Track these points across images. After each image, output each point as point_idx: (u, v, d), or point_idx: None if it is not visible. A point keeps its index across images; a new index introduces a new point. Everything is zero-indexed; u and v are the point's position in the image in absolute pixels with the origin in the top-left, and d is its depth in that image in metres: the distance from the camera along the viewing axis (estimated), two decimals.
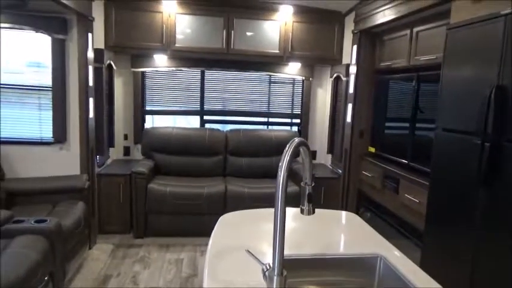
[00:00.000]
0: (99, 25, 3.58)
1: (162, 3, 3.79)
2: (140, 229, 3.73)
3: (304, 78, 4.48)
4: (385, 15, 3.10)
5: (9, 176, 3.23)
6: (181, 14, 3.87)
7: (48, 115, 3.32)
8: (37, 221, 2.48)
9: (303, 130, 4.61)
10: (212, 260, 1.25)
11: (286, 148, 0.97)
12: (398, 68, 3.21)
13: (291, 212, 1.68)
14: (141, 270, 3.14)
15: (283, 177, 0.93)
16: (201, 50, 3.97)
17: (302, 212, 1.11)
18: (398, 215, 3.02)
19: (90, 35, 3.27)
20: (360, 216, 1.93)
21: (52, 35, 3.17)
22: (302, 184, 1.11)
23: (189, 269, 3.18)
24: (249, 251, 1.08)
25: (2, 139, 3.26)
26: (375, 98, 3.65)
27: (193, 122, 4.57)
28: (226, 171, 4.29)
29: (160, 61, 4.16)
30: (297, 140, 1.00)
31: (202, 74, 4.45)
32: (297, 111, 4.66)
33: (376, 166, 3.40)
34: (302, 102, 4.61)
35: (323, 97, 4.59)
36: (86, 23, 3.23)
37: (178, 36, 3.91)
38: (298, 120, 4.68)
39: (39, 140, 3.36)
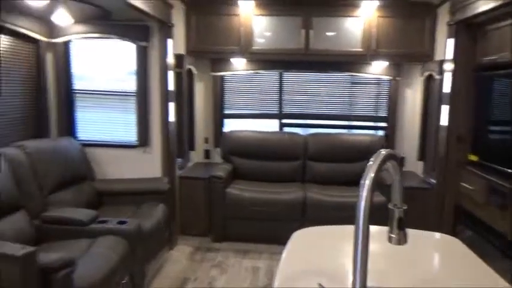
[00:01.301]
0: (180, 31, 3.65)
1: (238, 5, 3.76)
2: (218, 233, 3.72)
3: (390, 77, 4.12)
4: (488, 2, 2.66)
5: (99, 177, 3.43)
6: (258, 15, 3.79)
7: (133, 119, 3.47)
8: (119, 222, 2.57)
9: (390, 134, 4.23)
10: (280, 285, 1.09)
11: (371, 162, 0.78)
12: (506, 63, 2.74)
13: (375, 230, 1.45)
14: (218, 276, 3.11)
15: (365, 202, 0.74)
16: (279, 52, 3.85)
17: (390, 240, 0.91)
18: (506, 235, 2.56)
19: (169, 40, 3.34)
20: (458, 234, 1.63)
21: (136, 42, 3.31)
22: (390, 206, 0.90)
23: (266, 279, 3.07)
24: (321, 285, 0.91)
25: (95, 142, 3.49)
26: (476, 98, 3.18)
27: (272, 125, 4.46)
28: (306, 177, 4.10)
29: (239, 64, 4.14)
30: (384, 152, 0.81)
31: (281, 76, 4.33)
32: (383, 113, 4.30)
33: (478, 177, 2.94)
34: (388, 104, 4.24)
35: (412, 98, 4.17)
36: (166, 30, 3.31)
37: (256, 39, 3.84)
38: (383, 124, 4.31)
39: (126, 143, 3.52)
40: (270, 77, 4.36)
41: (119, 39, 3.31)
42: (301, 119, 4.45)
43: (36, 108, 3.21)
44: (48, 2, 2.51)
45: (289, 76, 4.35)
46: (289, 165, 4.09)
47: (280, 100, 4.37)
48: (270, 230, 3.63)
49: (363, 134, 4.33)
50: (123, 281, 2.38)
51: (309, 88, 4.36)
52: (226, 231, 3.72)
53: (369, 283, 0.83)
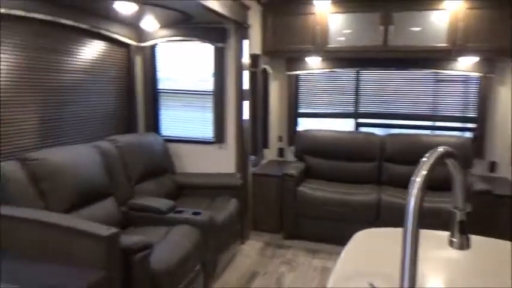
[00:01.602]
0: (256, 32, 3.75)
1: (314, 5, 3.74)
2: (289, 231, 3.75)
3: (480, 74, 3.76)
4: None
5: (179, 170, 3.68)
6: (334, 13, 3.73)
7: (210, 117, 3.66)
8: (194, 213, 2.74)
9: (479, 136, 3.88)
10: (335, 284, 1.09)
11: (425, 159, 0.75)
12: None
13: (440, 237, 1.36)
14: (287, 273, 3.14)
15: (415, 201, 0.72)
16: (356, 49, 3.75)
17: (451, 244, 0.86)
18: None
19: (245, 41, 3.46)
20: None
21: (214, 43, 3.48)
22: (451, 208, 0.85)
23: None
24: (372, 285, 0.89)
25: (176, 138, 3.75)
26: None
27: (347, 125, 4.36)
28: (381, 178, 3.94)
29: (314, 63, 4.12)
30: (441, 149, 0.77)
31: (357, 74, 4.22)
32: (471, 114, 3.95)
33: None
34: (478, 104, 3.88)
35: (507, 97, 3.76)
36: (242, 31, 3.42)
37: (331, 37, 3.79)
38: (472, 125, 3.96)
39: (202, 139, 3.72)
40: (345, 75, 4.27)
41: (199, 41, 3.52)
42: (379, 118, 4.28)
43: (126, 107, 3.55)
44: (137, 9, 2.75)
45: (367, 74, 4.21)
46: (363, 166, 3.97)
47: (357, 99, 4.25)
48: (342, 231, 3.50)
49: (448, 135, 4.02)
50: (195, 268, 2.53)
51: (388, 86, 4.17)
52: (298, 229, 3.74)
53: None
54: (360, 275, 1.12)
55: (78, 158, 2.54)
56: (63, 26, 2.72)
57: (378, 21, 3.64)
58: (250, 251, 3.52)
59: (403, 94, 4.13)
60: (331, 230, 3.59)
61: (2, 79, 2.38)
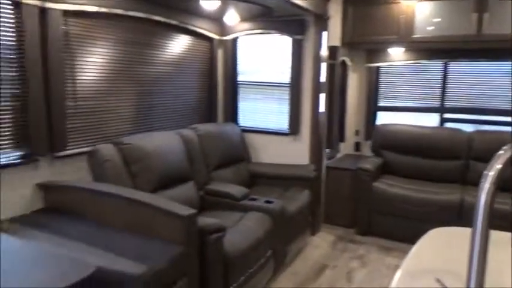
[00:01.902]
0: (335, 23, 3.69)
1: None
2: (363, 226, 3.68)
3: None
4: None
5: (254, 160, 3.80)
6: (422, 1, 3.52)
7: (286, 109, 3.71)
8: (266, 201, 2.83)
9: None
10: (401, 280, 1.08)
11: (501, 152, 0.72)
12: None
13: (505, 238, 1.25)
14: (358, 268, 3.10)
15: (486, 195, 0.69)
16: (445, 39, 3.50)
17: None
18: None
19: (324, 33, 3.43)
20: None
21: (292, 36, 3.50)
22: None
23: None
24: (439, 281, 0.87)
25: (252, 128, 3.87)
26: None
27: (431, 120, 4.11)
28: (467, 178, 3.66)
29: (396, 55, 3.94)
30: None
31: (445, 66, 3.94)
32: None
33: None
34: None
35: None
36: (321, 22, 3.40)
37: (418, 26, 3.58)
38: None
39: (278, 131, 3.79)
40: (431, 67, 4.01)
41: (277, 34, 3.58)
42: (467, 113, 3.96)
43: (208, 97, 3.76)
44: (220, 4, 2.89)
45: (456, 66, 3.91)
46: (447, 164, 3.72)
47: (443, 93, 3.98)
48: (419, 230, 3.34)
49: None
50: (266, 255, 2.63)
51: (479, 79, 3.84)
52: (371, 225, 3.65)
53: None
54: (428, 272, 1.09)
55: (164, 144, 2.77)
56: (155, 22, 2.98)
57: (471, 8, 3.35)
58: (321, 243, 3.53)
59: (496, 88, 3.77)
60: (407, 229, 3.43)
61: (103, 71, 2.68)
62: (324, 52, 3.50)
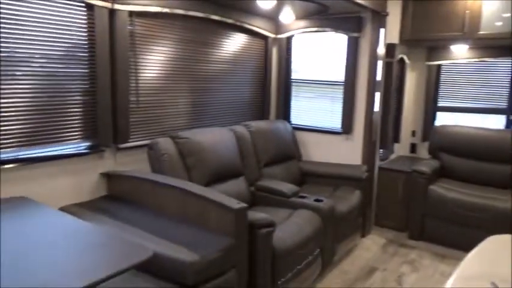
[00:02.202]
0: (394, 20, 3.58)
1: None
2: (415, 231, 3.56)
3: None
4: None
5: (304, 158, 3.81)
6: None
7: (339, 107, 3.67)
8: (316, 200, 2.83)
9: None
10: (455, 282, 1.05)
11: None
12: None
13: None
14: (408, 273, 3.01)
15: None
16: None
17: None
18: None
19: (382, 30, 3.34)
20: None
21: (348, 33, 3.45)
22: None
23: None
24: (494, 284, 0.84)
25: (304, 126, 3.88)
26: None
27: (496, 122, 3.86)
28: None
29: (460, 52, 3.74)
30: None
31: None
32: None
33: None
34: None
35: None
36: (379, 19, 3.32)
37: (485, 22, 3.37)
38: None
39: (330, 130, 3.76)
40: (498, 65, 3.76)
41: (333, 32, 3.54)
42: None
43: (261, 95, 3.82)
44: (276, 3, 2.92)
45: None
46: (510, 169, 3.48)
47: (511, 93, 3.72)
48: (476, 238, 3.18)
49: None
50: (314, 253, 2.63)
51: None
52: (425, 230, 3.51)
53: None
54: (484, 277, 1.06)
55: (218, 139, 2.86)
56: (213, 21, 3.08)
57: None
58: (371, 245, 3.46)
59: None
60: (464, 235, 3.27)
61: (162, 68, 2.83)
62: (381, 50, 3.42)
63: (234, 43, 3.41)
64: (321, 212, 2.72)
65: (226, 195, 2.26)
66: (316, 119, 3.87)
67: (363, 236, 3.57)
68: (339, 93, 3.66)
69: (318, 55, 3.81)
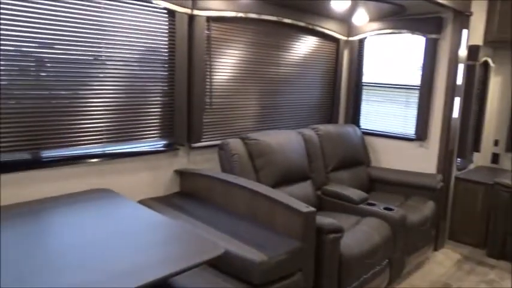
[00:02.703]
0: (478, 20, 3.33)
1: None
2: (496, 248, 3.28)
3: None
4: None
5: (374, 164, 3.68)
6: None
7: (413, 113, 3.50)
8: (385, 208, 2.72)
9: None
10: None
11: None
12: None
13: None
14: None
15: None
16: None
17: None
18: None
19: (465, 31, 3.13)
20: None
21: (426, 35, 3.27)
22: None
23: None
24: None
25: (374, 131, 3.75)
26: None
27: None
28: None
29: None
30: None
31: None
32: None
33: None
34: None
35: None
36: (462, 19, 3.10)
37: None
38: None
39: (403, 136, 3.60)
40: None
41: (409, 33, 3.39)
42: None
43: (330, 98, 3.77)
44: (350, 4, 2.87)
45: None
46: None
47: None
48: None
49: None
50: (382, 263, 2.54)
51: None
52: (507, 248, 3.22)
53: None
54: None
55: (287, 142, 2.87)
56: (284, 24, 3.10)
57: None
58: (444, 260, 3.25)
59: None
60: None
61: (234, 71, 2.91)
62: (463, 52, 3.20)
63: (304, 46, 3.41)
64: (391, 221, 2.62)
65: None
66: (387, 124, 3.73)
67: (436, 249, 3.36)
68: (413, 97, 3.49)
69: (392, 58, 3.66)
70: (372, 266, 2.44)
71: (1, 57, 1.86)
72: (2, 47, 1.85)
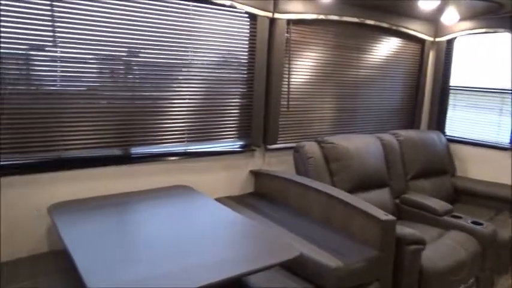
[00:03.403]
0: None
1: None
2: None
3: None
4: None
5: (460, 173, 3.41)
6: None
7: (507, 120, 3.18)
8: (473, 222, 2.51)
9: None
10: None
11: None
12: None
13: None
14: None
15: None
16: None
17: None
18: None
19: None
20: None
21: None
22: None
23: None
24: None
25: (461, 139, 3.48)
26: None
27: None
28: None
29: None
30: None
31: None
32: None
33: None
34: None
35: None
36: None
37: None
38: None
39: (495, 144, 3.29)
40: None
41: (507, 33, 3.08)
42: None
43: (412, 102, 3.57)
44: (439, 3, 2.69)
45: None
46: None
47: None
48: None
49: None
50: (469, 281, 2.34)
51: None
52: None
53: None
54: None
55: (364, 146, 2.78)
56: (366, 26, 3.01)
57: None
58: None
59: None
60: None
61: (311, 73, 2.89)
62: None
63: (386, 47, 3.28)
64: (480, 237, 2.40)
65: None
66: (477, 132, 3.42)
67: None
68: (508, 102, 3.17)
69: (485, 59, 3.36)
70: (457, 283, 2.25)
71: (96, 61, 2.05)
72: (97, 52, 2.04)
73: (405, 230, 2.03)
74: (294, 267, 1.86)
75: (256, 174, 2.76)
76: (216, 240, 1.60)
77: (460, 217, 2.58)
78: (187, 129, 2.42)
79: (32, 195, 1.95)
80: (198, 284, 1.23)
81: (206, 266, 1.37)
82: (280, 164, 2.85)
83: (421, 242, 2.01)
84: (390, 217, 1.91)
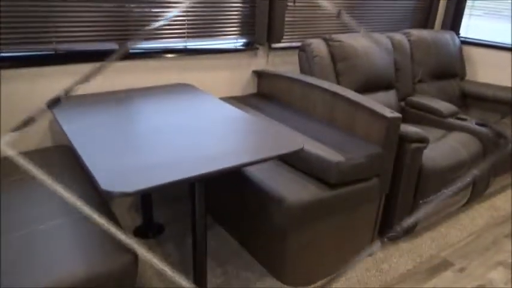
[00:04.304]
0: None
1: None
2: None
3: None
4: None
5: (470, 78, 3.31)
6: None
7: None
8: (477, 124, 2.49)
9: None
10: None
11: None
12: None
13: None
14: None
15: None
16: None
17: None
18: None
19: None
20: None
21: None
22: None
23: None
24: None
25: (475, 41, 3.30)
26: None
27: None
28: None
29: None
30: None
31: None
32: None
33: None
34: None
35: None
36: None
37: None
38: None
39: (510, 46, 3.12)
40: None
41: None
42: None
43: (426, 0, 3.32)
44: None
45: None
46: None
47: None
48: None
49: None
50: (467, 179, 2.40)
51: None
52: None
53: None
54: None
55: (373, 46, 2.64)
56: None
57: None
58: None
59: None
60: None
61: None
62: None
63: None
64: (482, 138, 2.40)
65: None
66: (495, 34, 3.23)
67: None
68: None
69: None
70: (454, 181, 2.31)
71: None
72: None
73: (409, 128, 2.01)
74: (297, 163, 1.88)
75: (259, 75, 2.67)
76: (218, 134, 1.59)
77: (465, 119, 2.56)
78: (188, 24, 2.28)
79: (31, 89, 1.91)
80: (198, 172, 1.25)
81: (207, 157, 1.37)
82: (284, 65, 2.74)
83: (424, 141, 2.00)
84: (396, 114, 1.88)
